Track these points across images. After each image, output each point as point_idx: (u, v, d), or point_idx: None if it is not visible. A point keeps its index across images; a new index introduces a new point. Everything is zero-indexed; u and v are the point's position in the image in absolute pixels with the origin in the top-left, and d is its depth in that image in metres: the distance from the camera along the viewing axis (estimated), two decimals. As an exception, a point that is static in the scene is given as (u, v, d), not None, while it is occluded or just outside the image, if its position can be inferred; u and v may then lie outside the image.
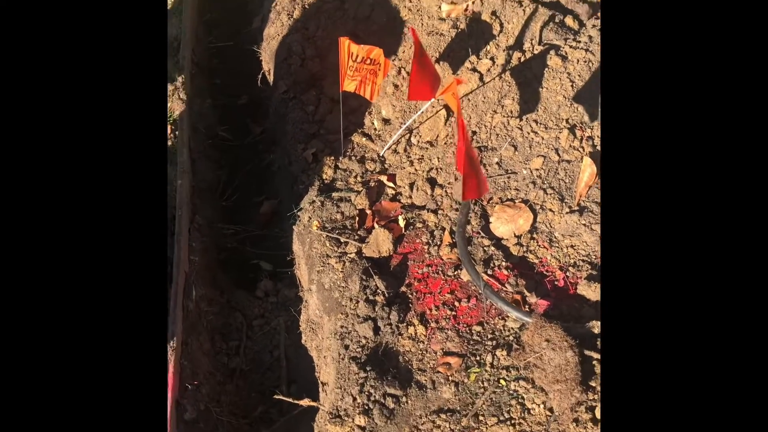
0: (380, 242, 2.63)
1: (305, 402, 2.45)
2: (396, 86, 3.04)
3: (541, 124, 2.69)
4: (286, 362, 2.70)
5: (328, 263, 2.64)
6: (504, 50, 2.82)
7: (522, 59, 2.78)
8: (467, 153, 2.21)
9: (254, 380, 2.67)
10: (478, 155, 2.70)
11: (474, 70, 2.84)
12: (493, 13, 2.91)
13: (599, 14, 2.80)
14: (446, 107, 2.87)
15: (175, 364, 2.35)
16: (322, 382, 2.55)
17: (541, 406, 2.11)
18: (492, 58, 2.83)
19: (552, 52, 2.74)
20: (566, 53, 2.73)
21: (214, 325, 2.74)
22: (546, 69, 2.73)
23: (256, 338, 2.78)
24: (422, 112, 2.89)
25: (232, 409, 2.51)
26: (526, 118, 2.71)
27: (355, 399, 2.22)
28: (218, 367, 2.62)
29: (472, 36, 2.91)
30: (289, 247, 3.01)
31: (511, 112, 2.73)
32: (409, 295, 2.49)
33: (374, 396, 2.21)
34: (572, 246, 2.46)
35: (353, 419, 2.18)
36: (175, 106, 3.32)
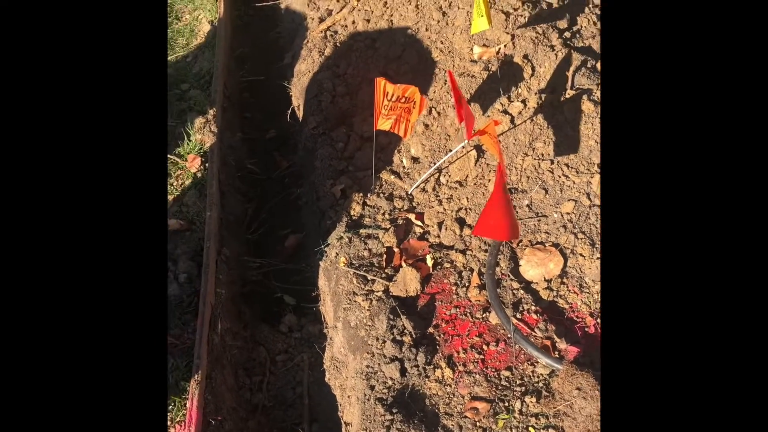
0: (408, 281, 2.61)
1: (328, 442, 2.41)
2: (426, 126, 3.06)
3: (572, 168, 2.68)
4: (308, 400, 2.66)
5: (355, 301, 2.63)
6: (536, 93, 2.83)
7: (554, 103, 2.79)
8: (504, 192, 2.20)
9: (276, 417, 2.63)
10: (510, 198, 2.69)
11: (505, 112, 2.85)
12: (525, 56, 2.93)
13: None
14: (477, 148, 2.87)
15: (199, 398, 2.33)
16: (345, 422, 2.51)
17: (572, 456, 2.06)
18: (523, 101, 2.84)
19: (584, 96, 2.75)
20: (598, 98, 2.74)
21: (237, 359, 2.72)
22: (578, 113, 2.74)
23: (279, 374, 2.76)
24: (453, 153, 2.90)
25: (254, 447, 2.48)
26: (558, 162, 2.71)
27: (380, 442, 2.18)
28: (241, 402, 2.59)
29: (504, 78, 2.94)
30: (313, 282, 3.01)
31: (543, 155, 2.73)
32: (437, 337, 2.46)
33: (400, 439, 2.17)
34: (603, 292, 2.43)
35: (379, 463, 2.14)
36: (206, 138, 3.36)
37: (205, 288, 2.67)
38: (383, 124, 2.73)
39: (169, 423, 2.32)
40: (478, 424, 2.19)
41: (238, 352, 2.73)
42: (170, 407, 2.36)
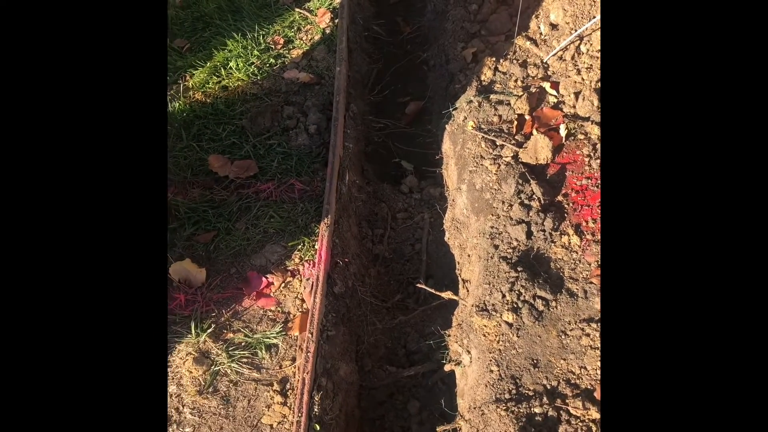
0: (539, 149, 2.56)
1: (447, 294, 2.48)
2: (570, -11, 2.87)
3: None
4: (426, 256, 2.73)
5: (482, 164, 2.61)
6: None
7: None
8: None
9: (395, 269, 2.73)
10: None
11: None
12: None
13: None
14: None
15: (328, 240, 2.43)
16: (463, 279, 2.57)
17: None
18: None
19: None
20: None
21: (361, 211, 2.80)
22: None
23: (399, 230, 2.83)
24: (596, 21, 2.72)
25: (374, 292, 2.59)
26: None
27: (504, 296, 2.22)
28: (364, 251, 2.70)
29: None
30: (436, 146, 3.00)
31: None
32: (566, 205, 2.42)
33: (524, 296, 2.21)
34: None
35: (501, 315, 2.19)
36: (337, -7, 3.30)
37: (334, 140, 2.72)
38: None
39: (298, 261, 2.45)
40: (603, 290, 2.19)
41: (362, 204, 2.80)
42: (300, 247, 2.48)
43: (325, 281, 2.36)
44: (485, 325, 2.20)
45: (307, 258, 2.46)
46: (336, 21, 3.24)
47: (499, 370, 2.10)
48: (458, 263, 2.65)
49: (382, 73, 3.50)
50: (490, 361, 2.13)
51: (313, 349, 2.16)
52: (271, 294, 2.38)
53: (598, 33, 2.74)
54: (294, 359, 2.20)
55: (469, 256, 2.56)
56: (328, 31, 3.25)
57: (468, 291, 2.48)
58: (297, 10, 3.39)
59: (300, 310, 2.32)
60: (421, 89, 3.41)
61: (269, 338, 2.25)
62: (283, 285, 2.39)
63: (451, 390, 2.38)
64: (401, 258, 2.77)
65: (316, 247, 2.44)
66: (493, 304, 2.23)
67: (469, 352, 2.28)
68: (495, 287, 2.26)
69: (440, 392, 2.40)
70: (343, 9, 3.22)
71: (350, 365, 2.35)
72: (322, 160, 2.75)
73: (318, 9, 3.31)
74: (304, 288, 2.37)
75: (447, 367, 2.39)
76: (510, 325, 2.17)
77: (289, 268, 2.43)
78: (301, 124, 2.88)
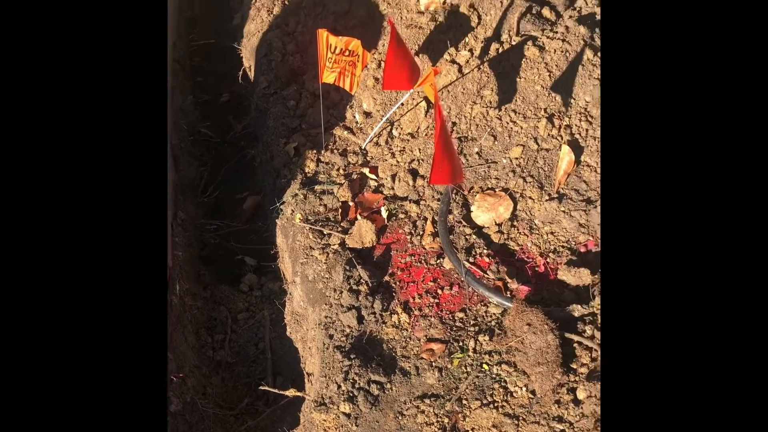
0: (363, 233, 2.65)
1: (291, 392, 2.46)
2: (376, 79, 3.06)
3: (519, 113, 2.72)
4: (271, 354, 2.71)
5: (312, 255, 2.66)
6: (482, 42, 2.85)
7: (500, 50, 2.81)
8: (443, 137, 2.23)
9: (240, 373, 2.68)
10: (458, 146, 2.73)
11: (453, 61, 2.87)
12: (471, 5, 2.94)
13: (576, 5, 2.84)
14: (426, 99, 2.89)
15: (159, 357, 2.35)
16: (307, 373, 2.57)
17: (524, 388, 2.14)
18: (470, 50, 2.86)
19: (529, 42, 2.78)
20: (543, 44, 2.77)
21: (198, 319, 2.75)
22: (524, 60, 2.76)
23: (241, 331, 2.79)
24: (402, 104, 2.92)
25: (218, 402, 2.52)
26: (505, 109, 2.74)
27: (339, 386, 2.24)
28: (204, 360, 2.63)
29: (451, 28, 2.95)
30: (272, 241, 3.03)
31: (490, 102, 2.76)
32: (393, 285, 2.51)
33: (359, 383, 2.23)
34: (552, 233, 2.50)
35: (338, 406, 2.20)
36: (156, 102, 3.32)
37: (161, 250, 2.68)
38: (328, 76, 2.74)
39: (131, 383, 2.35)
40: (434, 364, 2.26)
41: (198, 312, 2.75)
42: (132, 368, 2.38)
43: (159, 401, 2.27)
44: (324, 420, 2.20)
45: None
46: (158, 130, 3.24)
47: (342, 464, 2.09)
48: (302, 357, 2.65)
49: (215, 173, 3.52)
50: (333, 455, 2.12)
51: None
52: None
53: (406, 117, 2.92)
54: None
55: (309, 348, 2.56)
56: (151, 141, 3.24)
57: (312, 384, 2.47)
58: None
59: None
60: (257, 184, 3.46)
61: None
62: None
63: (305, 491, 2.33)
64: (246, 360, 2.73)
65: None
66: (330, 397, 2.23)
67: (315, 449, 2.25)
68: (331, 379, 2.27)
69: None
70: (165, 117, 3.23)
71: (196, 486, 2.25)
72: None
73: (139, 119, 3.31)
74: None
75: (298, 468, 2.34)
76: (348, 415, 2.18)
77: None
78: (127, 238, 2.81)
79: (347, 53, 2.61)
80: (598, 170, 2.54)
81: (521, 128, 2.70)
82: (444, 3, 3.01)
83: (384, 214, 2.73)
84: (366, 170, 2.90)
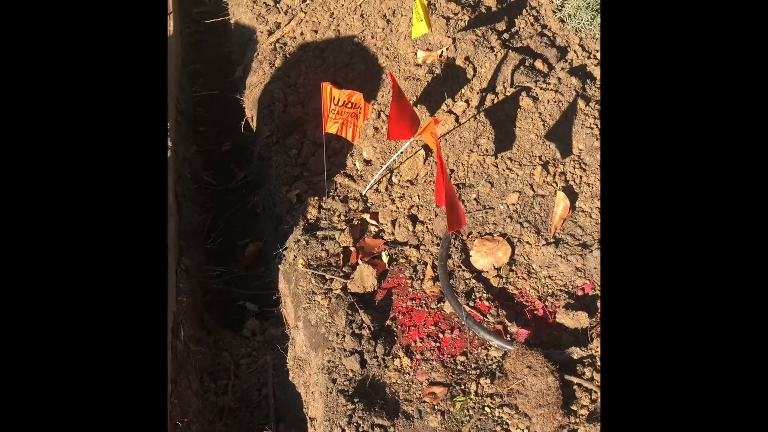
0: (365, 278, 2.71)
1: (294, 437, 2.47)
2: (376, 129, 3.17)
3: (515, 161, 2.82)
4: (274, 400, 2.73)
5: (314, 300, 2.70)
6: (478, 93, 2.97)
7: (495, 101, 2.93)
8: (447, 187, 2.32)
9: (243, 418, 2.69)
10: (457, 191, 2.81)
11: (450, 112, 2.98)
12: (467, 58, 3.07)
13: (567, 57, 2.97)
14: (425, 147, 2.99)
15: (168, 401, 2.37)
16: (310, 418, 2.58)
17: (525, 431, 2.16)
18: (467, 101, 2.97)
19: (523, 93, 2.89)
20: (537, 94, 2.88)
21: (202, 364, 2.77)
22: (518, 109, 2.88)
23: (244, 377, 2.81)
24: (402, 152, 3.01)
25: (222, 448, 2.53)
26: (501, 156, 2.84)
27: (343, 430, 2.26)
28: (207, 405, 2.64)
29: (448, 80, 3.07)
30: (274, 286, 3.07)
31: (487, 150, 2.86)
32: (394, 329, 2.55)
33: (362, 427, 2.25)
34: (550, 276, 2.56)
35: (342, 451, 2.21)
36: (162, 152, 3.41)
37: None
38: (331, 127, 2.83)
39: (135, 429, 2.36)
40: (436, 407, 2.29)
41: (202, 357, 2.77)
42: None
43: (163, 447, 2.28)
44: (329, 464, 2.21)
45: (144, 425, 2.37)
46: (163, 178, 3.32)
47: None
48: (305, 401, 2.67)
49: (218, 220, 3.58)
50: (338, 500, 2.13)
51: None
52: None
53: (405, 164, 3.02)
54: None
55: (312, 393, 2.59)
56: (155, 189, 3.31)
57: (315, 429, 2.49)
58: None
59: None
60: (258, 231, 3.52)
61: None
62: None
63: None
64: (249, 405, 2.74)
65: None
66: (334, 441, 2.25)
67: (319, 495, 2.26)
68: (335, 423, 2.29)
69: None
70: (168, 166, 3.31)
71: None
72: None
73: (144, 168, 3.39)
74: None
75: None
76: (352, 459, 2.19)
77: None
78: (132, 284, 2.86)
79: (350, 105, 2.71)
80: (593, 215, 2.63)
81: (517, 175, 2.79)
82: (440, 56, 3.14)
83: (385, 258, 2.79)
84: (367, 216, 2.98)
